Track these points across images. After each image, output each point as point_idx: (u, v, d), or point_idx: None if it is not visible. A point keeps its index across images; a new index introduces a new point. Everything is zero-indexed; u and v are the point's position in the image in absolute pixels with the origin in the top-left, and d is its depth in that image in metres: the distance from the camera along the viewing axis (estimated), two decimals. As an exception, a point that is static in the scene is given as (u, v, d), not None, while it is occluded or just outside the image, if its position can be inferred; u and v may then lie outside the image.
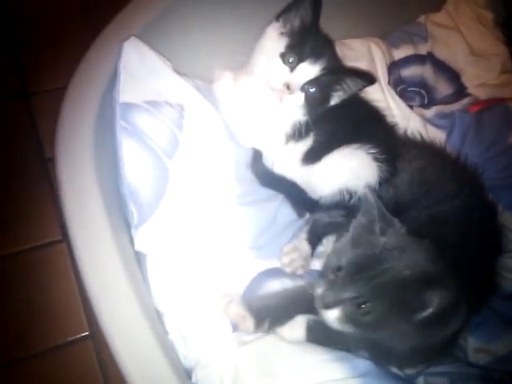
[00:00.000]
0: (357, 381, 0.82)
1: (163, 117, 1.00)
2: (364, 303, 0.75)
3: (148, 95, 1.00)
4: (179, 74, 1.08)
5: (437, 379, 0.89)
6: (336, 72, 1.02)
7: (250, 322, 0.88)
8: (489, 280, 1.00)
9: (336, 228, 1.10)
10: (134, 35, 1.02)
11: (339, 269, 0.79)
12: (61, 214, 0.91)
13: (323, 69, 0.99)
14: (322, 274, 0.85)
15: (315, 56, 0.98)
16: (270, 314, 0.90)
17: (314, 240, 1.08)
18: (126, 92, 0.97)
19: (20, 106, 1.53)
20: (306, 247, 1.05)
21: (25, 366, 1.11)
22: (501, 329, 0.97)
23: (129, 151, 0.95)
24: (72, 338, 1.16)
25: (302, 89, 1.00)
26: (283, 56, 0.99)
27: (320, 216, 1.09)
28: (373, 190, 0.83)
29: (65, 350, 1.14)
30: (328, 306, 0.78)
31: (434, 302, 0.72)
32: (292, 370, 0.83)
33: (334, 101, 1.05)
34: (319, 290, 0.80)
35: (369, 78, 1.04)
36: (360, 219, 0.84)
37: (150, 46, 1.05)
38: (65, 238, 1.26)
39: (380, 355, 0.85)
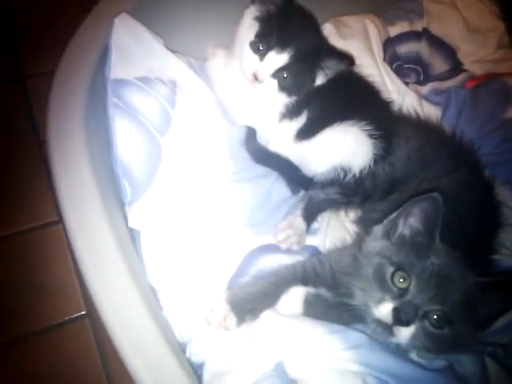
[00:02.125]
0: (351, 352, 0.82)
1: (155, 93, 1.00)
2: (439, 317, 0.75)
3: (140, 71, 1.00)
4: (172, 51, 1.08)
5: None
6: (308, 57, 1.01)
7: (232, 321, 0.87)
8: (485, 255, 1.00)
9: (331, 205, 1.10)
10: (125, 12, 1.02)
11: (405, 278, 0.77)
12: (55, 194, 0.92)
13: (292, 56, 0.98)
14: (362, 288, 0.82)
15: (282, 44, 0.98)
16: (253, 306, 0.89)
17: (309, 217, 1.07)
18: (118, 68, 0.97)
19: (15, 88, 1.54)
20: (301, 224, 1.05)
21: (22, 345, 1.12)
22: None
23: (121, 128, 0.95)
24: (69, 318, 1.16)
25: (274, 76, 1.00)
26: (253, 45, 0.99)
27: (315, 193, 1.09)
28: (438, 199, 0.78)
29: (62, 329, 1.15)
30: (405, 323, 0.75)
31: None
32: (286, 342, 0.83)
33: (319, 80, 1.05)
34: (386, 306, 0.77)
35: (347, 60, 1.03)
36: (411, 221, 0.81)
37: (143, 23, 1.05)
38: (61, 218, 1.26)
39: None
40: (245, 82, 1.05)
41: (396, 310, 0.75)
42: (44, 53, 1.52)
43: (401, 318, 0.74)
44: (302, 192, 1.13)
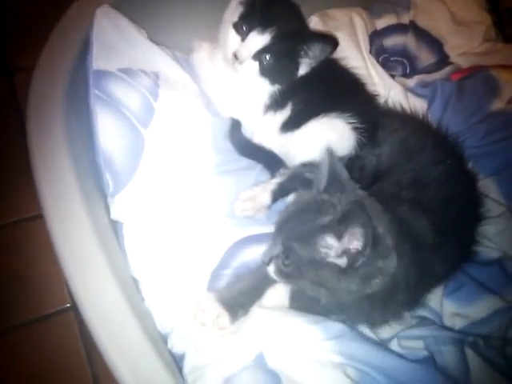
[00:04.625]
0: (331, 342, 0.82)
1: (138, 85, 0.99)
2: (287, 257, 0.78)
3: (122, 63, 1.00)
4: (156, 43, 1.07)
5: (411, 342, 0.90)
6: (291, 38, 1.00)
7: (225, 319, 0.87)
8: (467, 246, 1.00)
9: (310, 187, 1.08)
10: (107, 4, 1.01)
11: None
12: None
13: (274, 36, 0.98)
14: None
15: (264, 24, 0.97)
16: (243, 300, 0.89)
17: (279, 193, 1.05)
18: (100, 60, 0.97)
19: (2, 83, 1.52)
20: (265, 199, 1.03)
21: (6, 337, 1.12)
22: (477, 294, 0.97)
23: (103, 120, 0.95)
24: (54, 310, 1.16)
25: (256, 58, 1.00)
26: (236, 26, 0.99)
27: (300, 171, 1.06)
28: (333, 153, 0.82)
29: (47, 321, 1.15)
30: (266, 263, 0.82)
31: (353, 241, 0.72)
32: (266, 333, 0.83)
33: (303, 69, 1.04)
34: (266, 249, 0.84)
35: (331, 41, 1.02)
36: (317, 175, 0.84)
37: (126, 16, 1.04)
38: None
39: (349, 314, 0.86)
40: (229, 74, 1.05)
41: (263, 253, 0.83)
42: (32, 47, 1.50)
43: (264, 259, 0.82)
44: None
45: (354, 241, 0.72)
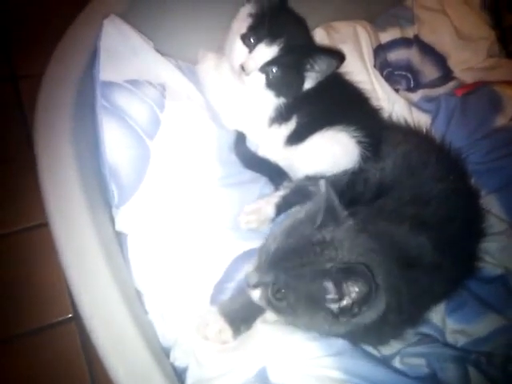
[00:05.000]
0: (332, 359, 0.82)
1: (144, 96, 0.99)
2: (279, 290, 0.77)
3: (129, 74, 1.00)
4: (161, 54, 1.08)
5: (413, 359, 0.90)
6: (298, 51, 1.01)
7: (228, 334, 0.87)
8: (469, 263, 1.00)
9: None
10: (114, 14, 1.02)
11: (268, 252, 0.80)
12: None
13: (282, 49, 0.98)
14: (258, 253, 0.85)
15: (273, 36, 0.97)
16: (245, 316, 0.89)
17: (283, 207, 1.05)
18: (107, 71, 0.97)
19: (8, 89, 1.53)
20: (270, 212, 1.03)
21: (8, 345, 1.12)
22: (479, 311, 0.97)
23: (109, 130, 0.95)
24: (56, 320, 1.16)
25: (263, 70, 1.00)
26: (244, 37, 0.99)
27: (304, 184, 1.06)
28: (329, 181, 0.80)
29: (49, 331, 1.15)
30: (250, 286, 0.80)
31: (351, 292, 0.72)
32: (269, 348, 0.83)
33: (308, 83, 1.04)
34: (249, 269, 0.83)
35: (337, 56, 1.03)
36: (307, 206, 0.83)
37: (132, 25, 1.05)
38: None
39: (344, 337, 0.85)
40: (235, 85, 1.06)
41: (247, 274, 0.82)
42: (38, 54, 1.51)
43: (247, 281, 0.81)
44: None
45: (353, 293, 0.72)
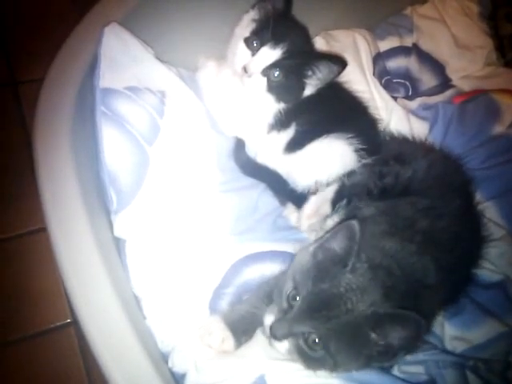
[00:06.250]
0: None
1: (144, 103, 1.00)
2: (314, 340, 0.74)
3: (129, 81, 1.00)
4: (161, 61, 1.08)
5: (411, 367, 0.89)
6: (300, 56, 1.02)
7: (230, 343, 0.86)
8: (469, 270, 1.00)
9: (360, 190, 1.04)
10: (115, 21, 1.02)
11: (295, 298, 0.77)
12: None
13: (285, 52, 1.00)
14: (274, 298, 0.83)
15: (276, 40, 0.99)
16: (246, 326, 0.88)
17: (337, 200, 1.04)
18: (107, 78, 0.97)
19: (8, 94, 1.53)
20: (327, 209, 1.03)
21: (6, 350, 1.12)
22: (478, 318, 0.97)
23: (108, 137, 0.95)
24: (54, 325, 1.16)
25: (265, 73, 1.01)
26: (247, 40, 1.01)
27: (359, 179, 1.04)
28: (357, 222, 0.76)
29: (47, 336, 1.15)
30: (277, 338, 0.77)
31: (383, 338, 0.72)
32: (267, 355, 0.83)
33: (309, 90, 1.05)
34: (270, 318, 0.79)
35: (339, 62, 1.03)
36: (332, 245, 0.79)
37: (133, 33, 1.05)
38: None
39: None
40: (235, 91, 1.07)
41: (273, 324, 0.77)
42: (39, 60, 1.52)
43: (274, 333, 0.76)
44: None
45: (398, 339, 0.72)
